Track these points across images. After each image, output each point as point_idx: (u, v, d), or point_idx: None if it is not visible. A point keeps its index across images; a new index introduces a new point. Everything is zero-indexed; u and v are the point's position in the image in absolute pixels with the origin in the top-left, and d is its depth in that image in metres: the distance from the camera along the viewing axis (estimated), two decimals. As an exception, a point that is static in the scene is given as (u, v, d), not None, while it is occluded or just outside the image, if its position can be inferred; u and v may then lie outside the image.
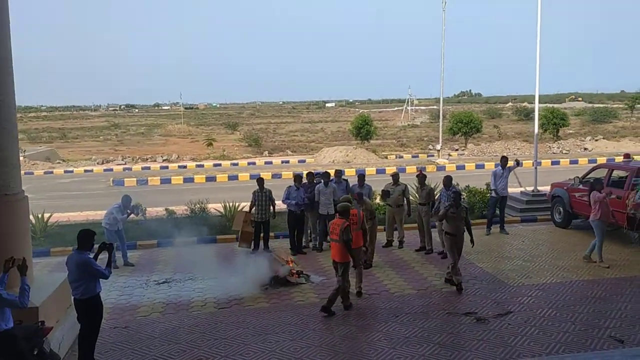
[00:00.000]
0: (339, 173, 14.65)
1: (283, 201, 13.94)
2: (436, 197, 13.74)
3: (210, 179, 30.41)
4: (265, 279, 11.26)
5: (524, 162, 31.54)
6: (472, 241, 10.85)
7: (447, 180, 13.06)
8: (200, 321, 9.45)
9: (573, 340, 8.15)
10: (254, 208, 13.84)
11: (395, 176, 14.16)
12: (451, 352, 7.92)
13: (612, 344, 7.99)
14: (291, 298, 10.51)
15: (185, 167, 37.52)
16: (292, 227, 13.89)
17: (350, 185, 14.47)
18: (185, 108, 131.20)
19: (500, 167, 15.24)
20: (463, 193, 18.14)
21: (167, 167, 37.64)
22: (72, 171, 36.76)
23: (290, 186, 14.01)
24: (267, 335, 8.73)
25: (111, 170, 36.74)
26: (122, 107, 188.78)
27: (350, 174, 27.97)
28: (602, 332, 8.41)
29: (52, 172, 36.39)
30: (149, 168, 37.49)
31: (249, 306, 10.14)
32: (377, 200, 15.50)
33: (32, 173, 35.78)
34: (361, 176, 14.39)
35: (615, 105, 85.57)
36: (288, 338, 8.58)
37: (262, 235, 14.04)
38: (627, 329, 8.52)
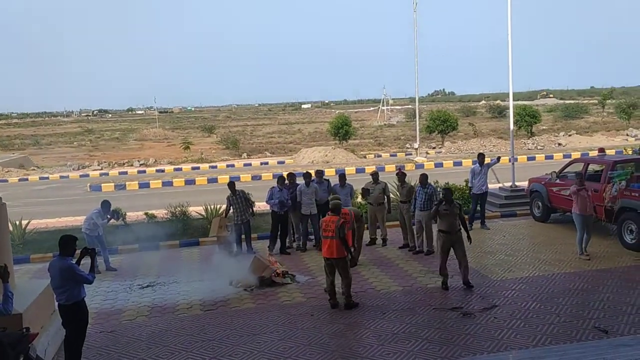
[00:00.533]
0: (319, 173, 14.66)
1: (267, 202, 13.90)
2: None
3: (190, 182, 30.21)
4: (251, 280, 11.22)
5: (502, 158, 32.15)
6: (469, 238, 10.74)
7: (423, 177, 13.15)
8: (187, 324, 9.39)
9: (558, 332, 8.26)
10: (232, 211, 13.78)
11: (375, 175, 14.22)
12: (439, 347, 7.97)
13: (597, 335, 8.11)
14: (277, 298, 10.49)
15: (163, 171, 37.22)
16: (275, 227, 13.86)
17: (332, 185, 14.51)
18: (160, 112, 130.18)
19: (478, 165, 15.40)
20: (442, 190, 18.29)
21: (144, 172, 37.32)
22: (47, 177, 36.23)
23: (273, 187, 13.99)
24: (255, 335, 8.70)
25: (87, 175, 36.30)
26: (95, 112, 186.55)
27: (330, 173, 27.99)
28: (586, 323, 8.54)
29: (27, 179, 35.82)
30: (126, 173, 37.13)
31: (235, 307, 10.10)
32: (359, 200, 15.55)
33: (7, 180, 35.19)
34: (342, 176, 14.42)
35: (585, 101, 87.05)
36: (277, 338, 8.56)
37: (243, 237, 13.99)
38: (610, 319, 8.66)
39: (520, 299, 9.74)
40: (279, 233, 13.93)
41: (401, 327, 8.75)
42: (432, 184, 14.13)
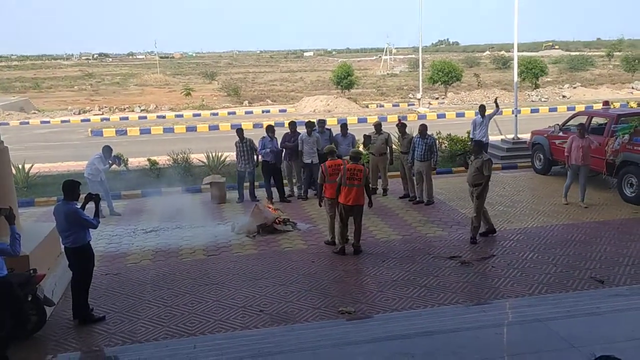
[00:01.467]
0: (321, 122, 14.64)
1: (258, 152, 13.94)
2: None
3: (191, 129, 30.16)
4: (252, 227, 11.37)
5: (503, 110, 31.98)
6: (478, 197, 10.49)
7: (423, 128, 13.14)
8: (190, 267, 9.58)
9: (554, 282, 8.42)
10: (238, 158, 13.87)
11: (377, 125, 14.20)
12: (437, 293, 8.15)
13: (593, 285, 8.28)
14: (279, 245, 10.66)
15: (164, 117, 37.06)
16: (267, 177, 13.98)
17: (334, 134, 14.51)
18: (161, 57, 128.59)
19: (479, 116, 15.36)
20: (444, 141, 18.31)
21: (145, 118, 37.15)
22: (48, 122, 36.13)
23: (264, 137, 14.01)
24: (257, 280, 8.88)
25: (88, 120, 36.18)
26: (95, 56, 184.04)
27: (332, 123, 27.91)
28: (582, 274, 8.70)
29: (28, 123, 35.73)
30: (127, 118, 36.97)
31: (237, 253, 10.28)
32: (360, 148, 15.56)
33: (8, 124, 35.09)
34: (344, 125, 14.40)
35: (591, 53, 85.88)
36: (278, 283, 8.75)
37: (246, 185, 14.12)
38: (606, 270, 8.82)
39: (518, 249, 9.90)
40: (271, 182, 14.03)
41: (400, 274, 8.92)
42: (432, 135, 14.13)
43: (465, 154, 10.89)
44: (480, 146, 10.63)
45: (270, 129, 14.02)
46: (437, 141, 18.50)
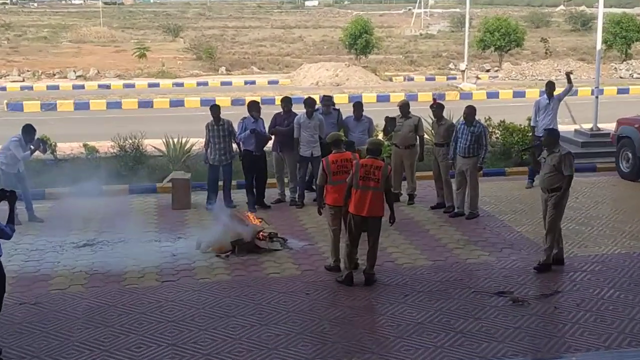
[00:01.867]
0: (327, 100, 14.67)
1: (238, 138, 13.94)
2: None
3: (145, 104, 30.17)
4: (226, 243, 11.42)
5: (579, 89, 31.96)
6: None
7: (470, 112, 13.19)
8: (137, 298, 9.64)
9: (641, 330, 8.49)
10: (210, 147, 13.93)
11: (404, 106, 14.25)
12: (478, 342, 8.23)
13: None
14: (262, 269, 10.72)
15: (108, 87, 37.05)
16: (249, 173, 14.06)
17: (343, 117, 14.57)
18: (105, 3, 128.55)
19: (545, 96, 15.39)
20: (496, 131, 18.38)
21: (82, 87, 37.12)
22: (-53, 89, 36.23)
23: (245, 118, 14.02)
24: (229, 318, 8.95)
25: (4, 89, 36.22)
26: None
27: (341, 101, 27.94)
28: (680, 320, 8.75)
29: None
30: (57, 87, 36.96)
31: (203, 279, 10.33)
32: (380, 137, 15.61)
33: None
34: (358, 105, 14.48)
35: None
36: (258, 322, 8.81)
37: (220, 184, 14.22)
38: None
39: (593, 285, 9.95)
40: (254, 183, 14.11)
41: (428, 315, 8.98)
42: (481, 121, 14.18)
43: (533, 148, 10.93)
44: (556, 137, 10.69)
45: (254, 107, 14.06)
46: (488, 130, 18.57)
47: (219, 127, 13.90)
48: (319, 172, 10.67)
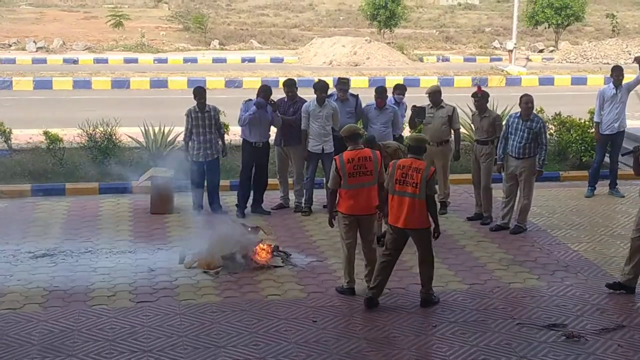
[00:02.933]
0: (343, 84, 14.67)
1: (241, 120, 13.92)
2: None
3: (120, 84, 30.24)
4: (216, 257, 11.42)
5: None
6: None
7: (527, 101, 13.12)
8: (106, 321, 9.63)
9: None
10: (193, 139, 13.98)
11: (435, 94, 14.19)
12: (523, 387, 8.21)
13: None
14: (259, 290, 10.71)
15: (75, 61, 37.17)
16: (246, 170, 14.13)
17: (362, 105, 14.58)
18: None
19: (611, 84, 15.34)
20: (550, 126, 18.35)
21: (44, 61, 37.27)
22: None
23: (249, 100, 14.04)
24: (218, 349, 8.94)
25: (-52, 62, 36.42)
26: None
27: (360, 85, 27.94)
28: None
29: None
30: (13, 61, 37.13)
31: (187, 301, 10.32)
32: (407, 131, 15.63)
33: None
34: (381, 90, 14.43)
35: None
36: (254, 355, 8.80)
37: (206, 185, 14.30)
38: None
39: (666, 318, 9.92)
40: (252, 181, 14.14)
41: (461, 351, 8.95)
42: (538, 114, 14.14)
43: (638, 152, 10.79)
44: None
45: (265, 92, 13.92)
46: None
47: (204, 115, 13.90)
48: (330, 173, 10.65)
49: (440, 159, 14.07)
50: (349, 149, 10.65)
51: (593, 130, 16.20)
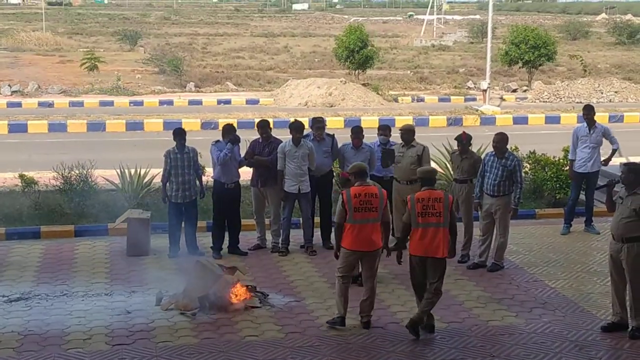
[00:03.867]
0: (318, 123, 14.71)
1: (216, 159, 13.90)
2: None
3: (96, 127, 30.19)
4: (192, 299, 11.39)
5: (625, 114, 32.14)
6: None
7: (500, 140, 13.21)
8: (83, 366, 9.56)
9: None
10: (171, 181, 13.97)
11: (407, 132, 14.17)
12: None
13: None
14: (236, 331, 10.68)
15: (51, 105, 37.10)
16: (220, 211, 14.15)
17: (338, 145, 14.62)
18: (49, 4, 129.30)
19: (585, 124, 15.51)
20: (525, 164, 18.46)
21: (19, 105, 37.20)
22: None
23: (217, 141, 14.09)
24: (196, 391, 8.88)
25: None
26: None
27: (336, 125, 28.04)
28: None
29: None
30: (-13, 105, 37.06)
31: (164, 343, 10.27)
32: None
33: None
34: (357, 130, 14.49)
35: None
36: (232, 397, 8.75)
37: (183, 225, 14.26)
38: None
39: (644, 355, 9.94)
40: (226, 223, 14.16)
41: (441, 390, 8.93)
42: (513, 151, 14.22)
43: (612, 186, 10.87)
44: (637, 174, 10.46)
45: (229, 130, 14.08)
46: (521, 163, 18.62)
47: (183, 156, 13.91)
48: (337, 207, 10.87)
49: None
50: (356, 184, 10.89)
51: (567, 168, 16.31)
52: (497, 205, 13.16)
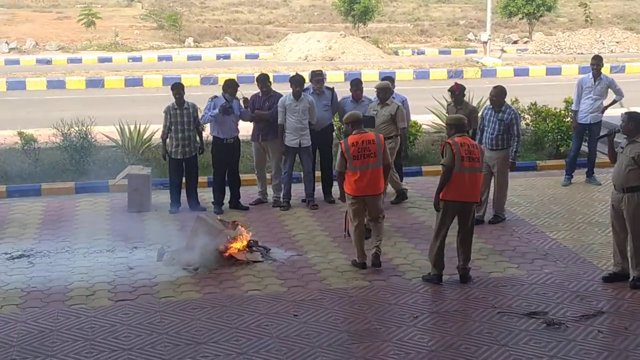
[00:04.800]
0: (318, 77, 14.65)
1: (203, 120, 14.12)
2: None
3: (95, 83, 30.14)
4: (194, 254, 11.40)
5: (627, 65, 31.98)
6: None
7: (498, 93, 13.09)
8: (86, 321, 9.59)
9: None
10: (171, 136, 13.96)
11: (382, 90, 13.90)
12: (505, 375, 8.22)
13: None
14: (239, 285, 10.70)
15: (49, 62, 37.08)
16: (219, 166, 14.12)
17: (338, 98, 14.63)
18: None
19: (590, 75, 15.42)
20: (526, 116, 18.42)
21: (17, 62, 37.16)
22: None
23: (215, 97, 14.07)
24: (199, 345, 8.93)
25: None
26: None
27: (336, 79, 27.96)
28: None
29: None
30: (-15, 62, 36.99)
31: (167, 298, 10.29)
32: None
33: None
34: (357, 83, 14.45)
35: None
36: (235, 350, 8.78)
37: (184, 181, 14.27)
38: None
39: (646, 303, 9.99)
40: (226, 178, 14.15)
41: (443, 341, 8.97)
42: (511, 104, 14.15)
43: (613, 135, 10.81)
44: (637, 122, 10.32)
45: (230, 86, 14.02)
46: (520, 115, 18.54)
47: (182, 112, 13.86)
48: (337, 156, 11.17)
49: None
50: (353, 133, 11.14)
51: (569, 119, 16.26)
52: (496, 159, 13.08)
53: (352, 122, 11.29)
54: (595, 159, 15.82)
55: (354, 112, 11.88)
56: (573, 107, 15.71)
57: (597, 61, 15.42)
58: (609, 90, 15.50)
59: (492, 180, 13.28)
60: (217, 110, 13.65)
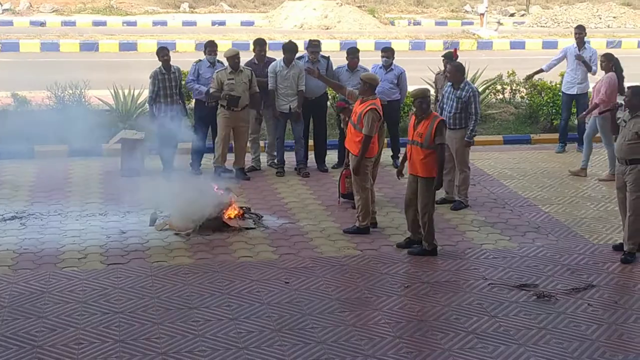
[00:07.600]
0: (313, 46, 14.64)
1: (187, 84, 14.19)
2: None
3: (89, 46, 30.02)
4: (187, 219, 11.43)
5: (623, 40, 31.95)
6: None
7: (454, 70, 12.72)
8: (77, 283, 9.61)
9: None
10: (158, 102, 14.00)
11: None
12: (494, 345, 8.27)
13: None
14: (231, 252, 10.74)
15: (43, 24, 36.88)
16: (200, 127, 14.14)
17: (333, 67, 14.61)
18: None
19: (574, 45, 15.53)
20: (521, 89, 18.43)
21: (10, 24, 36.95)
22: None
23: (199, 61, 14.15)
24: (190, 310, 8.97)
25: None
26: None
27: (331, 48, 27.84)
28: None
29: None
30: (-22, 24, 36.75)
31: (158, 262, 10.33)
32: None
33: None
34: (354, 51, 14.46)
35: None
36: (226, 315, 8.83)
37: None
38: None
39: (636, 277, 10.01)
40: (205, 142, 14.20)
41: (433, 311, 9.02)
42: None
43: (615, 110, 10.80)
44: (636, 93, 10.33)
45: (209, 46, 14.18)
46: (510, 89, 18.52)
47: (170, 76, 13.87)
48: (371, 121, 11.04)
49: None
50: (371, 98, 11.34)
51: (560, 92, 16.33)
52: (453, 138, 12.41)
53: (371, 84, 11.39)
54: (584, 130, 15.80)
55: (367, 74, 12.17)
56: (544, 66, 16.22)
57: (580, 30, 15.67)
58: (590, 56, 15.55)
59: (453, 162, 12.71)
60: (204, 89, 13.75)
